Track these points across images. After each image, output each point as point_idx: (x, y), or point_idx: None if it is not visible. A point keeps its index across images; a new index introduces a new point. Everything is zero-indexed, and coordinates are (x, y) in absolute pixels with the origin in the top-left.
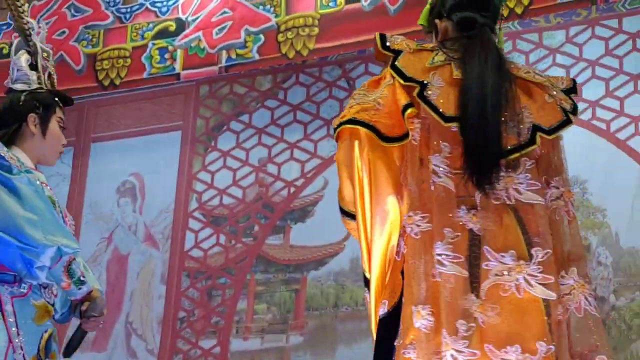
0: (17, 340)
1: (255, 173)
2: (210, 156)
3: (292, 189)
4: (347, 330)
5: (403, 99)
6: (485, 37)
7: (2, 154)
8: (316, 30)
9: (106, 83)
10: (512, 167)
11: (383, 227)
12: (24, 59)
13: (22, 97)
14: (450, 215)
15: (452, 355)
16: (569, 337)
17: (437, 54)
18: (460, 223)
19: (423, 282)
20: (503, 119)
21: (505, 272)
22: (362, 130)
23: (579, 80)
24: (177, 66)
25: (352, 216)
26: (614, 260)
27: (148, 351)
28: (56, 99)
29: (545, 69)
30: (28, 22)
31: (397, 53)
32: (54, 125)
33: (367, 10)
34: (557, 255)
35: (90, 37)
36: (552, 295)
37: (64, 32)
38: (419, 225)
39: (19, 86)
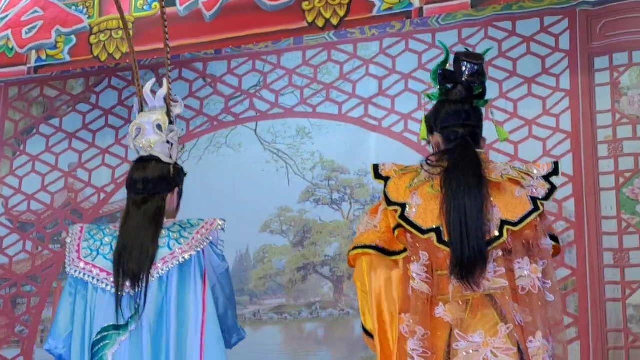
0: None
1: (65, 178)
2: (18, 160)
3: (102, 195)
4: None
5: (392, 222)
6: (464, 149)
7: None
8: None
9: None
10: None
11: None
12: (177, 131)
13: (171, 169)
14: (425, 314)
15: None
16: None
17: (419, 174)
18: (440, 318)
19: None
20: (481, 222)
21: (474, 349)
22: (369, 251)
23: (392, 92)
24: None
25: (369, 334)
26: None
27: None
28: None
29: (358, 79)
30: (173, 97)
31: (387, 179)
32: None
33: (183, 15)
34: (527, 323)
35: None
36: None
37: None
38: (409, 325)
39: (165, 158)
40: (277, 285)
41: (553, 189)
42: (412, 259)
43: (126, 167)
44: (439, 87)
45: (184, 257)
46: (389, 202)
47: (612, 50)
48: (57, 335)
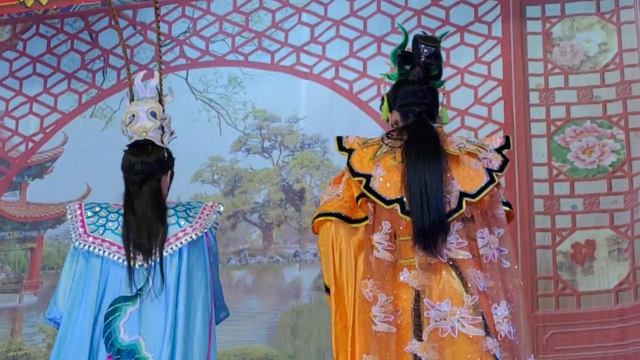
0: None
1: None
2: None
3: (30, 144)
4: None
5: (356, 191)
6: (422, 124)
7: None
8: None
9: None
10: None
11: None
12: (169, 118)
13: (165, 153)
14: (387, 280)
15: None
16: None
17: (381, 147)
18: (404, 283)
19: (368, 335)
20: (440, 194)
21: (442, 318)
22: (332, 218)
23: (323, 39)
24: None
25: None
26: None
27: None
28: None
29: (290, 27)
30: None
31: (350, 151)
32: None
33: None
34: (490, 288)
35: None
36: (479, 332)
37: None
38: (372, 291)
39: (158, 143)
40: None
41: (506, 161)
42: (374, 228)
43: (55, 117)
44: (397, 68)
45: (196, 234)
46: (354, 173)
47: (545, 1)
48: (60, 306)
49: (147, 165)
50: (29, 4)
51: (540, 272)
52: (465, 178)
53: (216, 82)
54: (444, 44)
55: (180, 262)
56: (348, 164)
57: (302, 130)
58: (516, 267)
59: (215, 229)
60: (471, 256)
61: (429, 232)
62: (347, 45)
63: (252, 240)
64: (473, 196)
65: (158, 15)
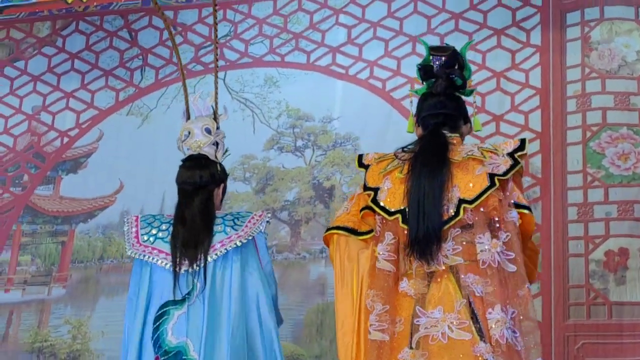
0: None
1: (28, 121)
2: None
3: (66, 139)
4: (109, 282)
5: (362, 204)
6: (434, 134)
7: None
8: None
9: None
10: (442, 239)
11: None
12: (223, 134)
13: (219, 167)
14: (387, 290)
15: None
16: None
17: (392, 161)
18: (404, 292)
19: (366, 343)
20: (438, 202)
21: (433, 325)
22: (338, 231)
23: (360, 40)
24: None
25: None
26: None
27: None
28: None
29: (328, 28)
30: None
31: (367, 167)
32: None
33: None
34: (487, 294)
35: None
36: (466, 336)
37: None
38: (373, 300)
39: (212, 158)
40: None
41: (515, 164)
42: (379, 239)
43: (91, 113)
44: (423, 82)
45: (241, 241)
46: (365, 188)
47: (584, 6)
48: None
49: (200, 178)
50: (69, 1)
51: (572, 280)
52: (466, 185)
53: (252, 82)
54: (480, 46)
55: (229, 265)
56: (364, 179)
57: (335, 130)
58: (523, 272)
59: (264, 235)
60: (467, 261)
61: (423, 240)
62: (382, 45)
63: (281, 237)
64: (471, 202)
65: (216, 37)
